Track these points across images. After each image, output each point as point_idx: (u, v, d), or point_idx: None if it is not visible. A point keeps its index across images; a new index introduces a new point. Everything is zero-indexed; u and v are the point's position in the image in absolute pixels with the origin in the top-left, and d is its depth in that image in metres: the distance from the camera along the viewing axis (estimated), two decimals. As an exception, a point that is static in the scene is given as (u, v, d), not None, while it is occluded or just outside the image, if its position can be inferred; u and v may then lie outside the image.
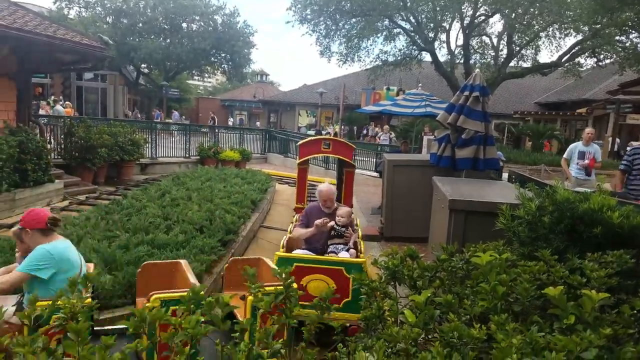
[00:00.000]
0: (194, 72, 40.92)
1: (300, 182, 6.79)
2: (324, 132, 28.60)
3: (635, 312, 1.90)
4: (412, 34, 24.04)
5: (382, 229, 7.90)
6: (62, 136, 12.09)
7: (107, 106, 30.73)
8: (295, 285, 2.11)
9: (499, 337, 1.65)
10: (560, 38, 23.34)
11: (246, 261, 4.55)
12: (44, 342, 1.32)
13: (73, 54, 10.60)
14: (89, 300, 1.63)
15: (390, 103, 13.43)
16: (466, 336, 1.76)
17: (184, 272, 3.85)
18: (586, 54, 23.03)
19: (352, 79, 32.36)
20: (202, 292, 2.05)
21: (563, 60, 23.48)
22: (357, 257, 4.58)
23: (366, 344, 2.02)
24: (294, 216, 6.16)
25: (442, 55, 25.16)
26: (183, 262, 4.06)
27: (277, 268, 2.42)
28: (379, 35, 24.16)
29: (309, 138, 7.31)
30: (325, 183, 5.36)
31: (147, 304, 2.91)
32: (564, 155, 8.60)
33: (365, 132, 29.63)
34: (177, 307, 1.97)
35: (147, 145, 14.49)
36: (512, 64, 24.98)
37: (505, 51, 24.46)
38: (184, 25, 35.90)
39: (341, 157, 6.73)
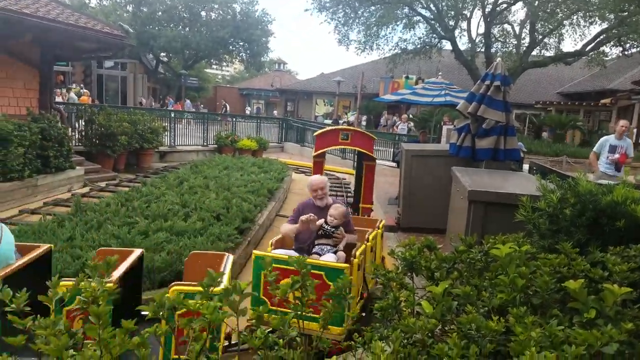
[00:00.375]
0: (212, 60, 41.02)
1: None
2: (341, 122, 28.40)
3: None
4: (432, 22, 23.67)
5: (398, 219, 7.86)
6: (82, 123, 12.29)
7: (127, 94, 31.08)
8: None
9: (517, 330, 1.63)
10: (584, 26, 22.73)
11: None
12: (65, 325, 1.35)
13: (94, 42, 10.71)
14: (111, 284, 1.65)
15: (409, 92, 13.27)
16: (484, 328, 1.74)
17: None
18: (611, 43, 22.37)
19: (370, 68, 32.04)
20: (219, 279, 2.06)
21: (587, 49, 22.87)
22: (348, 262, 3.89)
23: (382, 334, 2.02)
24: None
25: (463, 43, 24.78)
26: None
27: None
28: (398, 23, 23.85)
29: (326, 128, 6.83)
30: (317, 174, 4.97)
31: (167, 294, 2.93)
32: (594, 149, 7.97)
33: (390, 121, 29.20)
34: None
35: (166, 133, 14.62)
36: (534, 52, 24.42)
37: (527, 40, 23.92)
38: (203, 13, 35.98)
39: (360, 150, 6.31)
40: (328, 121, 27.61)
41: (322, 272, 3.64)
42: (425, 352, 1.77)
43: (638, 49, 21.91)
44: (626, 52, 22.39)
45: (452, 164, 6.51)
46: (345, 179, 13.26)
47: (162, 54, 35.89)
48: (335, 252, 4.06)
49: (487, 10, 23.03)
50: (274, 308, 2.50)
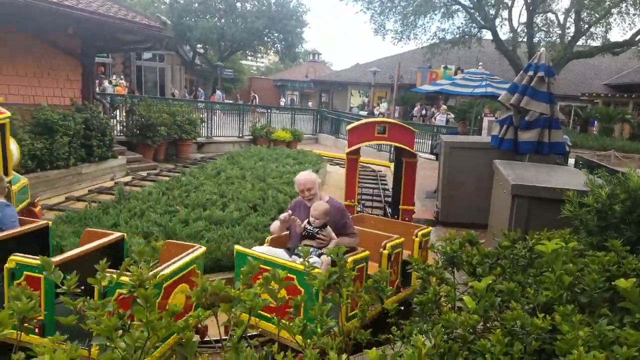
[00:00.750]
0: (247, 52, 41.34)
1: (349, 175, 5.72)
2: (376, 113, 28.06)
3: None
4: (472, 10, 23.04)
5: (437, 213, 7.74)
6: (123, 114, 12.67)
7: (165, 85, 31.75)
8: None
9: (564, 329, 1.59)
10: (634, 15, 21.61)
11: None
12: (114, 307, 1.39)
13: (133, 34, 10.99)
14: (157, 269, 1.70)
15: (448, 82, 13.01)
16: (529, 325, 1.70)
17: None
18: (664, 32, 21.21)
19: (407, 58, 31.52)
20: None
21: (637, 38, 21.76)
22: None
23: (421, 328, 2.00)
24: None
25: (504, 33, 24.00)
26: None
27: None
28: (436, 12, 23.37)
29: (360, 121, 6.11)
30: (307, 171, 4.27)
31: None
32: None
33: (423, 112, 28.66)
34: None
35: (204, 124, 14.88)
36: (579, 42, 23.42)
37: (572, 29, 22.95)
38: (238, 4, 36.19)
39: (399, 145, 5.69)
40: (363, 112, 27.31)
41: (294, 276, 3.31)
42: (466, 348, 1.74)
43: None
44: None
45: (494, 156, 6.34)
46: (380, 171, 13.16)
47: (199, 45, 36.40)
48: (319, 255, 3.61)
49: (529, -2, 22.23)
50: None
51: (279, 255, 3.64)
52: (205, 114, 15.56)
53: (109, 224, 5.78)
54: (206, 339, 3.70)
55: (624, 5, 21.37)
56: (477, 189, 6.94)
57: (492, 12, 22.96)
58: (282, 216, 3.87)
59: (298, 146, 16.38)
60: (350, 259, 3.37)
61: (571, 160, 8.44)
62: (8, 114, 5.17)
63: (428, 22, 25.34)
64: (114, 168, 10.21)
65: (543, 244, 2.08)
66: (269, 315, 2.99)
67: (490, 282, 1.92)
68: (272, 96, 40.41)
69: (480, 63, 15.38)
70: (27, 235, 3.67)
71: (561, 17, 23.82)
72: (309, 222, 3.76)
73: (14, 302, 1.49)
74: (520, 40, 23.31)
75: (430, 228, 4.65)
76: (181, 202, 6.87)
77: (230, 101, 29.23)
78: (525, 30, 22.90)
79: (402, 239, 4.03)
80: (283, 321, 1.94)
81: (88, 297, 1.52)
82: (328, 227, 3.75)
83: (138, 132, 11.94)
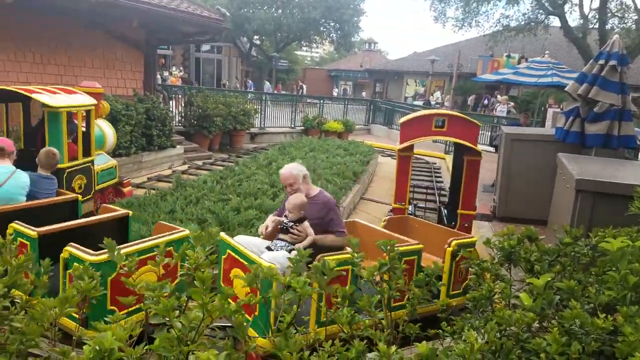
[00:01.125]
0: (302, 42, 41.53)
1: (400, 175, 5.19)
2: (433, 103, 27.35)
3: None
4: (539, -4, 21.91)
5: (494, 208, 7.49)
6: (182, 105, 13.13)
7: (222, 77, 32.55)
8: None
9: (626, 330, 1.52)
10: None
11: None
12: (170, 288, 1.45)
13: (194, 26, 11.32)
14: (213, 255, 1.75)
15: (511, 71, 12.51)
16: (589, 325, 1.63)
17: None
18: None
19: (467, 46, 30.55)
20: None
21: None
22: None
23: (473, 324, 1.95)
24: (384, 220, 4.76)
25: (573, 19, 22.73)
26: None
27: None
28: (500, -2, 22.47)
29: (416, 113, 5.48)
30: (290, 164, 3.98)
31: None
32: None
33: (485, 102, 27.58)
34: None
35: (257, 115, 15.14)
36: (658, 28, 21.68)
37: (649, 14, 21.27)
38: (296, -6, 36.33)
39: (460, 141, 5.03)
40: (418, 103, 26.71)
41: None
42: (520, 346, 1.68)
43: None
44: None
45: (558, 149, 6.04)
46: (435, 164, 12.87)
47: (255, 37, 36.97)
48: (290, 251, 3.46)
49: (602, -19, 20.81)
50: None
51: (259, 246, 3.57)
52: (258, 105, 15.82)
53: (166, 210, 6.02)
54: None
55: None
56: (538, 183, 6.65)
57: (561, -3, 21.71)
58: (259, 229, 3.74)
59: (350, 137, 16.33)
60: (331, 258, 2.82)
61: (643, 155, 7.88)
62: (94, 101, 5.93)
63: (491, 9, 24.42)
64: (172, 157, 10.62)
65: (608, 241, 1.97)
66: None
67: (549, 279, 1.85)
68: (325, 87, 40.47)
69: (547, 51, 14.64)
70: (107, 222, 3.87)
71: (638, 2, 22.12)
72: (286, 216, 3.64)
73: (77, 281, 1.59)
74: (591, 27, 21.90)
75: (475, 238, 4.00)
76: (234, 191, 7.04)
77: (281, 92, 29.50)
78: (597, 16, 21.47)
79: (421, 245, 3.60)
80: (330, 311, 1.96)
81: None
82: (305, 222, 3.55)
83: (195, 122, 12.34)
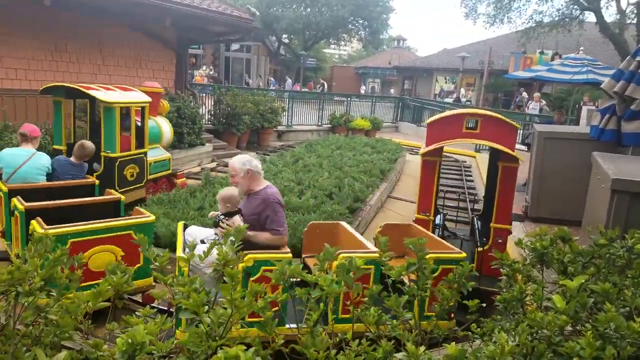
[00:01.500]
0: (330, 40, 41.52)
1: (425, 182, 4.74)
2: (463, 100, 26.84)
3: None
4: (574, -9, 21.27)
5: (526, 208, 7.32)
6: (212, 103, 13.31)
7: (251, 75, 32.87)
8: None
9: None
10: None
11: (324, 226, 4.40)
12: (200, 284, 1.47)
13: (224, 26, 11.46)
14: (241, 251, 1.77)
15: (545, 68, 12.21)
16: (624, 329, 1.58)
17: (346, 232, 4.01)
18: None
19: (499, 42, 29.95)
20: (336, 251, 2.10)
21: None
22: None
23: (504, 326, 1.91)
24: (380, 227, 4.62)
25: (610, 15, 21.95)
26: (343, 223, 4.22)
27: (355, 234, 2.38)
28: (533, -7, 21.93)
29: (444, 113, 4.97)
30: (238, 156, 3.80)
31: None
32: None
33: (517, 99, 26.90)
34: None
35: (284, 113, 15.21)
36: (700, 22, 20.72)
37: (692, 7, 20.34)
38: (325, -7, 36.32)
39: (494, 145, 4.38)
40: (449, 100, 26.24)
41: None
42: (552, 349, 1.64)
43: None
44: None
45: (593, 148, 5.84)
46: (465, 162, 12.65)
47: (284, 35, 37.16)
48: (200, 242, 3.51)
49: (641, -26, 20.02)
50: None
51: (208, 237, 3.62)
52: (284, 103, 15.89)
53: (196, 207, 6.12)
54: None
55: None
56: (571, 183, 6.47)
57: (597, -8, 21.00)
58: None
59: (377, 135, 16.23)
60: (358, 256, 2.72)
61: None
62: (148, 99, 6.57)
63: (524, 5, 23.87)
64: (201, 154, 10.79)
65: (646, 244, 1.89)
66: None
67: (583, 281, 1.79)
68: (353, 84, 40.29)
69: (582, 48, 14.20)
70: (101, 204, 4.26)
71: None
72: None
73: (110, 276, 1.64)
74: (628, 22, 21.12)
75: (461, 255, 3.59)
76: (261, 189, 7.11)
77: (303, 90, 29.50)
78: (635, 11, 20.68)
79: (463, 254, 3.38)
80: (357, 310, 1.95)
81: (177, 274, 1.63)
82: (236, 216, 3.46)
83: (224, 120, 12.49)
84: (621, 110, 6.15)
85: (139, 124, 6.51)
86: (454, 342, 1.47)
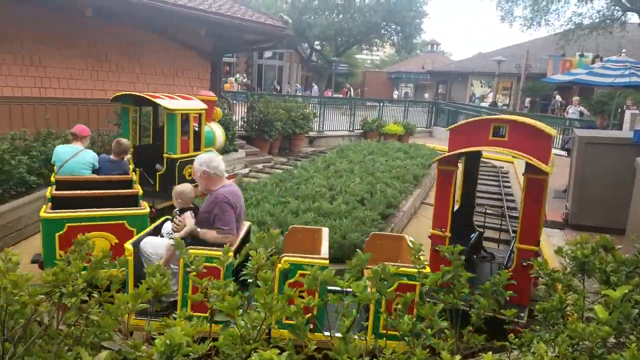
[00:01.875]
0: (363, 46, 41.48)
1: (441, 195, 4.34)
2: (500, 105, 26.27)
3: None
4: (615, -9, 20.57)
5: (566, 215, 7.09)
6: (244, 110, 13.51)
7: (282, 82, 33.22)
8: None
9: None
10: None
11: (387, 237, 4.29)
12: (234, 287, 1.50)
13: (258, 34, 11.64)
14: (275, 255, 1.80)
15: (585, 72, 11.85)
16: None
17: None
18: None
19: (536, 46, 29.22)
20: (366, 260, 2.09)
21: None
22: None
23: (543, 337, 1.85)
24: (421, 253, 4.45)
25: (653, 16, 21.01)
26: (325, 229, 4.06)
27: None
28: (572, -5, 21.36)
29: (469, 120, 4.65)
30: (208, 155, 3.85)
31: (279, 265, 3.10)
32: None
33: (557, 103, 26.05)
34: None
35: (316, 119, 15.27)
36: None
37: None
38: (357, -1, 36.41)
39: (522, 156, 3.84)
40: (485, 104, 25.70)
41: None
42: (593, 362, 1.58)
43: None
44: None
45: (636, 153, 5.63)
46: (503, 167, 12.34)
47: (316, 42, 37.38)
48: (153, 235, 3.76)
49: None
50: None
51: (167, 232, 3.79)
52: (318, 109, 15.95)
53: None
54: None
55: None
56: (614, 189, 6.24)
57: (640, -9, 20.24)
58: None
59: (410, 140, 16.07)
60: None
61: None
62: (204, 106, 7.19)
63: (562, 7, 23.17)
64: (234, 160, 10.96)
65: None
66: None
67: (627, 291, 1.71)
68: (385, 89, 40.09)
69: (624, 50, 13.73)
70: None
71: None
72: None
73: (150, 278, 1.68)
74: (674, 22, 20.26)
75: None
76: (292, 194, 7.15)
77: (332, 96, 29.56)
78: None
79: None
80: (391, 318, 1.93)
81: (212, 277, 1.66)
82: (187, 212, 3.62)
83: (256, 127, 12.65)
84: (667, 114, 5.91)
85: (197, 128, 7.11)
86: (491, 352, 1.44)
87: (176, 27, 10.00)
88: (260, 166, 11.32)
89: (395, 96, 37.65)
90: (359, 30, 34.77)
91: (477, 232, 5.02)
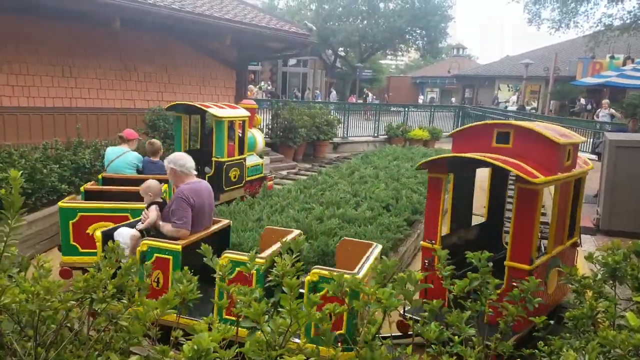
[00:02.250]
0: (387, 51, 41.35)
1: (431, 204, 4.02)
2: (528, 108, 25.80)
3: None
4: (648, -10, 19.94)
5: (597, 220, 6.90)
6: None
7: (304, 89, 33.41)
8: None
9: None
10: None
11: (356, 243, 4.12)
12: (260, 294, 1.51)
13: (282, 42, 11.76)
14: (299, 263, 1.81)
15: (616, 74, 11.57)
16: None
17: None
18: None
19: (564, 48, 28.59)
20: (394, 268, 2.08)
21: None
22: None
23: (573, 344, 1.81)
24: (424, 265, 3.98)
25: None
26: (296, 231, 4.17)
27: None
28: (602, -4, 20.84)
29: (470, 125, 4.39)
30: (179, 154, 4.14)
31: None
32: None
33: (588, 107, 25.28)
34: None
35: (340, 125, 15.28)
36: None
37: None
38: (381, 5, 36.33)
39: (521, 168, 3.42)
40: (513, 108, 25.23)
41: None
42: (626, 372, 1.53)
43: None
44: None
45: (669, 157, 5.43)
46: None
47: (340, 48, 37.45)
48: (130, 226, 4.07)
49: None
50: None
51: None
52: (342, 115, 15.95)
53: (254, 218, 6.27)
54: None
55: None
56: (647, 194, 6.02)
57: (674, -11, 19.59)
58: None
59: (436, 145, 15.91)
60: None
61: None
62: (248, 114, 7.79)
63: (591, 9, 22.57)
64: (260, 167, 11.05)
65: None
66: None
67: (662, 300, 1.66)
68: (410, 94, 39.88)
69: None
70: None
71: None
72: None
73: (177, 284, 1.72)
74: None
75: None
76: (317, 200, 7.17)
77: (355, 102, 29.50)
78: None
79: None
80: (418, 325, 1.91)
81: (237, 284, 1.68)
82: (152, 207, 3.99)
83: (281, 133, 12.75)
84: None
85: (241, 134, 7.64)
86: (519, 360, 1.41)
87: (202, 36, 10.19)
88: (284, 172, 11.38)
89: (420, 101, 37.35)
90: (383, 36, 34.67)
91: (504, 250, 4.77)
